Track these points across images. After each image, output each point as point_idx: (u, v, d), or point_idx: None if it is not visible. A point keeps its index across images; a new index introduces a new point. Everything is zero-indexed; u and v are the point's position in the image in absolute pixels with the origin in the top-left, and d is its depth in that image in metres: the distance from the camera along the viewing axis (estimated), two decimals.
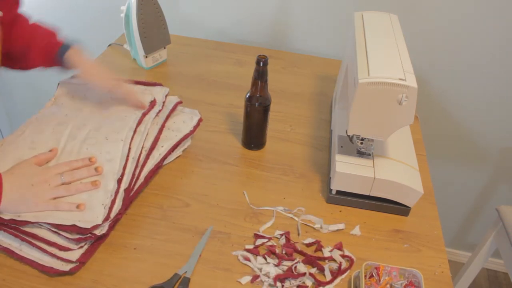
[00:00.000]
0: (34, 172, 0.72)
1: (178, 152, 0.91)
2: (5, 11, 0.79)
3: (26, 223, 0.68)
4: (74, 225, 0.68)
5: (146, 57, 1.16)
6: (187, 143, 0.93)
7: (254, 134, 0.94)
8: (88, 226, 0.68)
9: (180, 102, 0.95)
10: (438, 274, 0.74)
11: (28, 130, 0.82)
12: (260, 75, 0.85)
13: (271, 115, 0.93)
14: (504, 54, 1.22)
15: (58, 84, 0.93)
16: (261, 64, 0.83)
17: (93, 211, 0.70)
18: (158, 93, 0.92)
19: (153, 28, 1.13)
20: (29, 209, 0.69)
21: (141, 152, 0.82)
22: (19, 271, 0.69)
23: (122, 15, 1.13)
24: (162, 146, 0.86)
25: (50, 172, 0.72)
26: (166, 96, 0.93)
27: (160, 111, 0.90)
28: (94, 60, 0.84)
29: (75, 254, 0.68)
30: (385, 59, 0.77)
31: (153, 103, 0.89)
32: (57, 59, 0.83)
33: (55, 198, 0.71)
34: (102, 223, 0.69)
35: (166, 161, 0.88)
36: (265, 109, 0.89)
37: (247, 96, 0.88)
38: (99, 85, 0.85)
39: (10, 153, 0.77)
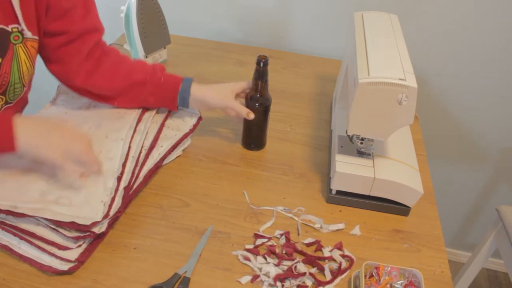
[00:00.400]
0: (58, 123, 0.72)
1: (178, 151, 0.91)
2: (70, 27, 0.80)
3: (23, 215, 0.68)
4: (73, 222, 0.67)
5: (146, 57, 1.16)
6: (187, 143, 0.93)
7: (254, 135, 0.94)
8: (88, 222, 0.68)
9: None
10: (438, 274, 0.74)
11: None
12: (261, 75, 0.85)
13: (271, 115, 0.93)
14: (504, 54, 1.22)
15: (58, 86, 0.93)
16: (262, 65, 0.83)
17: (92, 207, 0.70)
18: None
19: (153, 28, 1.13)
20: (42, 150, 0.68)
21: (140, 151, 0.82)
22: (19, 271, 0.69)
23: (122, 15, 1.13)
24: (162, 146, 0.86)
25: (72, 132, 0.72)
26: None
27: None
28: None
29: (74, 253, 0.68)
30: (385, 59, 0.77)
31: None
32: (176, 96, 0.86)
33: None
34: (102, 220, 0.69)
35: (166, 161, 0.88)
36: (265, 110, 0.89)
37: (248, 96, 0.88)
38: (219, 108, 0.89)
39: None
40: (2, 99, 0.77)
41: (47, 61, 0.85)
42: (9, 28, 0.72)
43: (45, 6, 0.76)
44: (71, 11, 0.79)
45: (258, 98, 0.87)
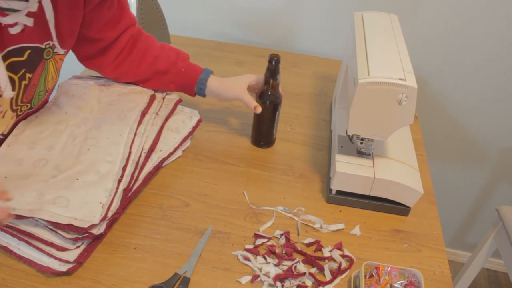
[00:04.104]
0: None
1: (178, 153, 0.91)
2: (108, 33, 0.86)
3: (21, 217, 0.68)
4: (70, 224, 0.67)
5: None
6: (186, 144, 0.93)
7: (263, 132, 0.94)
8: (85, 225, 0.68)
9: (180, 101, 0.95)
10: (438, 274, 0.74)
11: (28, 130, 0.82)
12: (272, 73, 0.85)
13: None
14: (504, 54, 1.22)
15: (58, 86, 0.94)
16: (273, 63, 0.84)
17: (90, 209, 0.70)
18: None
19: (153, 28, 1.13)
20: None
21: (140, 155, 0.82)
22: (19, 271, 0.69)
23: None
24: (161, 150, 0.86)
25: None
26: (165, 92, 0.93)
27: (159, 109, 0.90)
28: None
29: (73, 254, 0.68)
30: (385, 59, 0.77)
31: (152, 98, 0.89)
32: (194, 86, 0.92)
33: None
34: (99, 223, 0.69)
35: (166, 162, 0.88)
36: (275, 107, 0.90)
37: (258, 93, 0.89)
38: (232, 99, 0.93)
39: (10, 155, 0.77)
40: (28, 106, 0.81)
41: (81, 58, 0.91)
42: (43, 46, 0.75)
43: (82, 21, 0.80)
44: (110, 19, 0.84)
45: (268, 95, 0.88)
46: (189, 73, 0.92)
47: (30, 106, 0.82)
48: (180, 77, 0.92)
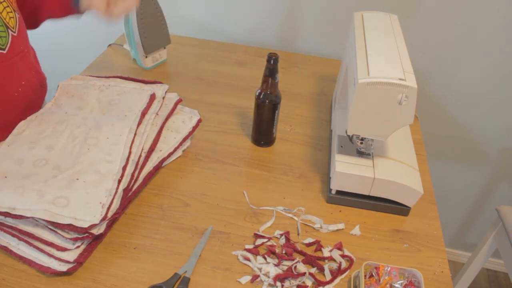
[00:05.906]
0: None
1: (178, 153, 0.91)
2: None
3: (21, 217, 0.68)
4: (70, 224, 0.67)
5: (146, 57, 1.16)
6: (186, 144, 0.93)
7: (263, 131, 0.94)
8: (85, 225, 0.68)
9: (180, 100, 0.95)
10: (438, 274, 0.74)
11: (27, 130, 0.82)
12: (270, 72, 0.85)
13: None
14: (504, 54, 1.22)
15: (58, 85, 0.94)
16: (272, 62, 0.84)
17: (90, 209, 0.70)
18: (158, 89, 0.92)
19: (153, 28, 1.13)
20: None
21: (140, 154, 0.82)
22: (18, 271, 0.69)
23: None
24: (161, 150, 0.86)
25: None
26: (165, 92, 0.94)
27: (159, 108, 0.90)
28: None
29: (73, 254, 0.68)
30: (385, 59, 0.77)
31: (152, 97, 0.89)
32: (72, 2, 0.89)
33: None
34: (99, 223, 0.69)
35: (166, 162, 0.88)
36: (274, 107, 0.90)
37: (257, 93, 0.89)
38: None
39: (10, 154, 0.77)
40: None
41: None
42: None
43: None
44: None
45: (267, 95, 0.88)
46: None
47: None
48: None
